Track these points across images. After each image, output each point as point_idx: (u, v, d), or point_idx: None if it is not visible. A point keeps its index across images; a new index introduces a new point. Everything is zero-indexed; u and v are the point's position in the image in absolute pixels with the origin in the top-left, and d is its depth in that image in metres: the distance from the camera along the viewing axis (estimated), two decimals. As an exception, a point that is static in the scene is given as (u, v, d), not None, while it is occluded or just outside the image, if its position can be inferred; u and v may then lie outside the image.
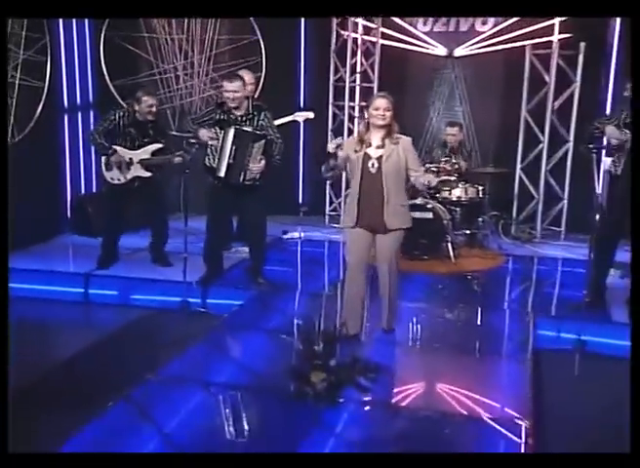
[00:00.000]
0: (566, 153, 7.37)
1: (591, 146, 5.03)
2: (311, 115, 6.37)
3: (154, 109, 5.85)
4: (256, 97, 6.38)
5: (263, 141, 5.25)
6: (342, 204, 7.76)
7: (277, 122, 5.95)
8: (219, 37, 7.92)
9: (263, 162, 5.26)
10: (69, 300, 5.73)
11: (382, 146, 4.38)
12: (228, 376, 4.18)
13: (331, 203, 8.20)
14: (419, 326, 5.05)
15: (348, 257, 4.73)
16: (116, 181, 5.88)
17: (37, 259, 6.19)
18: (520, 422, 3.33)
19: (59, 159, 7.35)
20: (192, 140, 5.43)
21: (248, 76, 6.05)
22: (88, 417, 3.40)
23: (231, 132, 5.21)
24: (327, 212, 8.17)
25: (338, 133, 7.35)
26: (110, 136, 5.83)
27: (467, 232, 6.88)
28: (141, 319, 5.34)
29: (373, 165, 4.38)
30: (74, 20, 7.29)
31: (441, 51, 7.75)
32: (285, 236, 7.41)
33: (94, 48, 7.69)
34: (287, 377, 3.81)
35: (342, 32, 7.70)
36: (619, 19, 6.91)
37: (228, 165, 5.26)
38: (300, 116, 6.28)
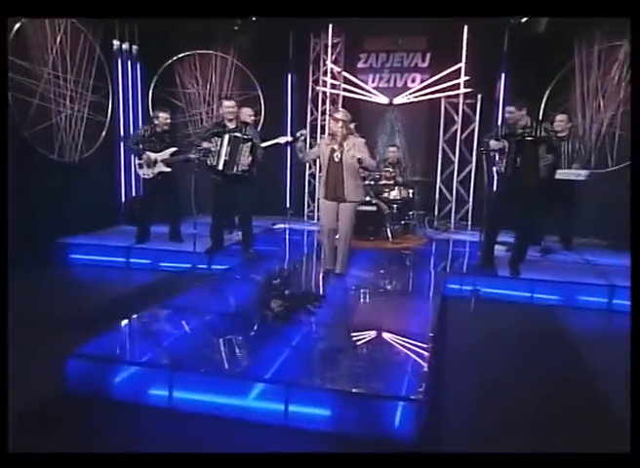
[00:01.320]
0: (470, 170, 7.78)
1: (482, 149, 5.40)
2: (290, 138, 6.60)
3: (168, 121, 6.21)
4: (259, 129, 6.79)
5: (250, 144, 5.65)
6: (317, 203, 8.24)
7: (266, 144, 6.38)
8: (231, 91, 8.17)
9: (250, 158, 5.65)
10: (116, 266, 6.09)
11: (343, 144, 4.82)
12: (217, 308, 4.29)
13: (308, 206, 8.43)
14: (365, 279, 5.22)
15: (321, 220, 5.21)
16: (146, 176, 6.22)
17: (98, 239, 6.46)
18: (424, 345, 3.42)
19: (115, 171, 7.60)
20: (199, 148, 5.68)
21: (248, 110, 6.56)
22: (110, 328, 3.66)
23: (227, 137, 5.61)
24: (306, 213, 8.42)
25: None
26: (140, 144, 6.14)
27: (402, 223, 7.18)
28: (163, 277, 5.73)
29: (337, 156, 4.85)
30: (130, 75, 7.64)
31: (384, 100, 8.09)
32: (274, 226, 7.66)
33: (144, 96, 8.07)
34: (255, 306, 4.07)
35: (316, 87, 7.98)
36: (503, 75, 7.55)
37: (225, 161, 5.64)
38: (282, 139, 6.59)
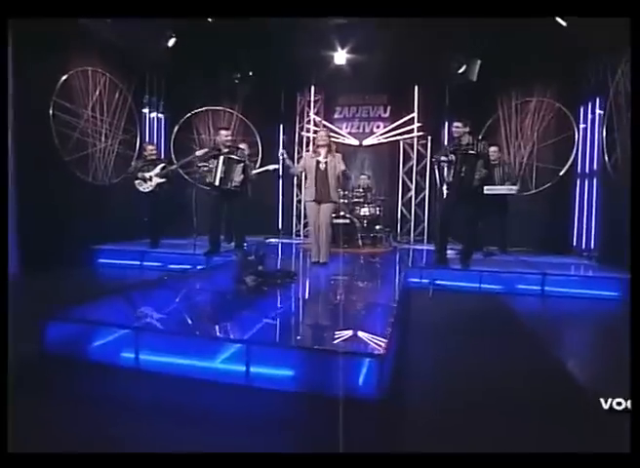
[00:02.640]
0: (424, 196, 7.49)
1: (433, 160, 5.20)
2: (278, 166, 6.28)
3: (154, 151, 5.96)
4: (257, 168, 6.42)
5: (242, 164, 5.26)
6: (303, 223, 7.87)
7: (258, 170, 6.06)
8: (236, 137, 7.72)
9: (242, 176, 5.25)
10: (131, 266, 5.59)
11: (326, 157, 4.63)
12: (206, 287, 3.90)
13: (296, 226, 8.08)
14: (341, 272, 4.73)
15: (309, 219, 4.88)
16: (147, 189, 5.78)
17: (121, 246, 5.93)
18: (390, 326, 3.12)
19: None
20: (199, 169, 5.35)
21: (246, 147, 6.25)
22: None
23: (222, 158, 5.21)
24: (294, 231, 8.06)
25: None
26: (137, 171, 5.80)
27: (371, 235, 6.71)
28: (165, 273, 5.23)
29: (322, 166, 4.63)
30: (155, 122, 7.33)
31: (355, 142, 7.82)
32: (267, 240, 7.20)
33: (167, 139, 7.67)
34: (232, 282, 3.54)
35: (302, 132, 7.79)
36: (446, 122, 7.41)
37: (220, 178, 5.20)
38: (271, 167, 6.24)
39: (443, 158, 4.65)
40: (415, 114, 7.42)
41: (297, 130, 7.91)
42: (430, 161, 5.54)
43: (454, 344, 3.00)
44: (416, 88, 7.41)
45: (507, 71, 6.49)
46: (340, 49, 7.03)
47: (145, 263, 5.63)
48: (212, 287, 3.92)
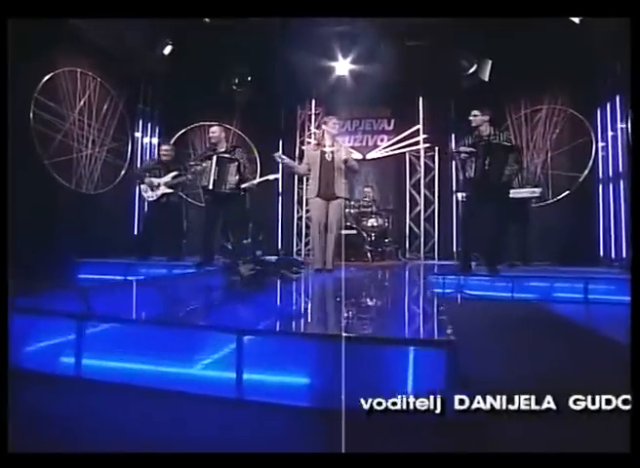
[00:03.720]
0: (433, 210, 6.98)
1: (454, 153, 4.62)
2: (278, 176, 5.84)
3: (169, 152, 5.30)
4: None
5: (236, 164, 4.74)
6: (304, 244, 7.29)
7: (256, 181, 5.57)
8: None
9: (237, 177, 4.73)
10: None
11: (333, 146, 4.06)
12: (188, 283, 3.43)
13: (297, 245, 7.48)
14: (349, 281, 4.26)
15: (312, 219, 4.23)
16: (150, 199, 5.22)
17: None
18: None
19: (128, 206, 6.51)
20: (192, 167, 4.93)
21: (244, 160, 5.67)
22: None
23: (215, 158, 4.70)
24: (294, 251, 7.42)
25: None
26: (146, 172, 5.26)
27: (379, 250, 6.19)
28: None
29: (328, 155, 4.04)
30: (149, 134, 6.91)
31: (359, 156, 7.04)
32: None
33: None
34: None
35: (302, 147, 7.36)
36: (453, 135, 7.07)
37: (214, 180, 4.68)
38: (271, 176, 5.80)
39: (464, 148, 4.15)
40: (420, 126, 7.05)
41: (297, 144, 7.47)
42: (447, 154, 5.08)
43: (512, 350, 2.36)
44: (420, 99, 7.09)
45: (515, 80, 6.21)
46: (341, 58, 6.77)
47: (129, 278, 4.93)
48: (196, 283, 3.34)
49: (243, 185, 5.06)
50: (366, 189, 6.59)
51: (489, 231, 4.27)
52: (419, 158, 7.10)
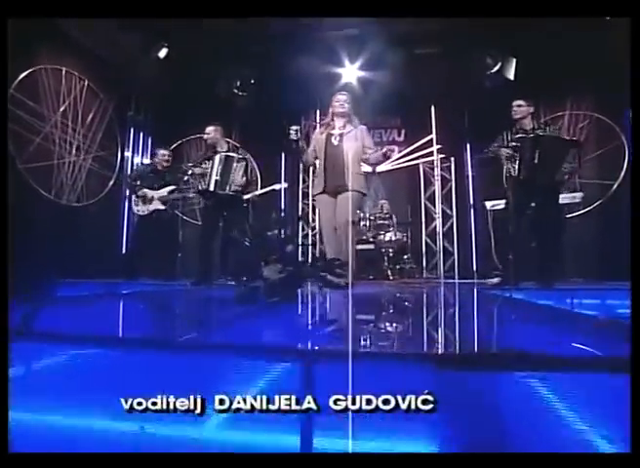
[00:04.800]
0: (451, 224, 6.41)
1: (490, 155, 3.75)
2: (285, 185, 5.27)
3: (167, 158, 4.62)
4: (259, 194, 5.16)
5: (244, 163, 4.07)
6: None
7: (262, 191, 4.93)
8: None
9: (244, 179, 4.03)
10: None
11: (344, 127, 3.21)
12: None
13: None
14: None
15: (321, 219, 3.36)
16: (141, 213, 4.54)
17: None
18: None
19: (116, 222, 5.83)
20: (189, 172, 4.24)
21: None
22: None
23: (217, 157, 4.01)
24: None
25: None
26: (139, 181, 4.60)
27: (397, 267, 5.55)
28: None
29: (335, 138, 3.18)
30: (141, 143, 6.36)
31: (368, 168, 6.96)
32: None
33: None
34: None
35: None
36: (468, 145, 6.59)
37: (216, 181, 3.97)
38: (277, 186, 5.22)
39: (505, 150, 3.56)
40: (433, 135, 6.57)
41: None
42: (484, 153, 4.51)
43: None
44: (432, 108, 6.63)
45: (532, 85, 5.80)
46: (348, 64, 6.34)
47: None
48: (201, 297, 2.63)
49: (246, 196, 4.43)
50: (381, 201, 5.99)
51: (539, 240, 3.64)
52: (433, 170, 6.58)
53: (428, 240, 6.45)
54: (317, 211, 3.49)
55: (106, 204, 5.45)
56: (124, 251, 5.43)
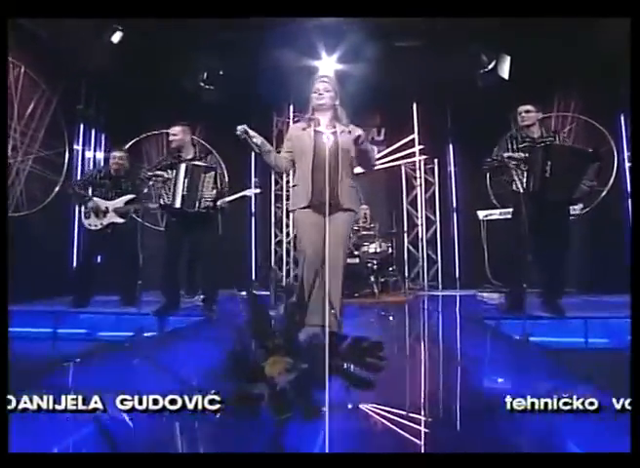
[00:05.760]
0: (435, 230, 6.04)
1: (495, 163, 3.31)
2: (258, 190, 4.69)
3: (121, 161, 3.95)
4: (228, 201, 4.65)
5: (213, 173, 3.46)
6: (285, 270, 6.09)
7: (232, 197, 4.37)
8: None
9: (215, 191, 3.45)
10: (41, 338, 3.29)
11: (334, 127, 2.51)
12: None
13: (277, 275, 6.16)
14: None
15: (303, 243, 2.48)
16: (93, 227, 3.89)
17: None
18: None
19: (64, 232, 5.17)
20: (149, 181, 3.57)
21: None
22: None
23: (182, 167, 3.40)
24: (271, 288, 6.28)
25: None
26: (89, 188, 3.94)
27: (382, 280, 5.10)
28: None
29: (327, 138, 2.43)
30: (92, 142, 5.61)
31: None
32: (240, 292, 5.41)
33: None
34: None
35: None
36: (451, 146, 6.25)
37: (183, 196, 3.39)
38: (249, 192, 4.67)
39: (516, 154, 3.18)
40: (415, 135, 6.16)
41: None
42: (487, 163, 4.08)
43: None
44: (414, 105, 6.22)
45: (519, 85, 5.49)
46: (325, 56, 5.81)
47: (62, 331, 3.50)
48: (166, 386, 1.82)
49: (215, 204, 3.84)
50: (362, 207, 5.52)
51: (547, 259, 3.31)
52: (415, 171, 6.18)
53: (411, 247, 6.08)
54: (296, 230, 2.68)
55: (51, 212, 4.72)
56: (76, 267, 4.71)
